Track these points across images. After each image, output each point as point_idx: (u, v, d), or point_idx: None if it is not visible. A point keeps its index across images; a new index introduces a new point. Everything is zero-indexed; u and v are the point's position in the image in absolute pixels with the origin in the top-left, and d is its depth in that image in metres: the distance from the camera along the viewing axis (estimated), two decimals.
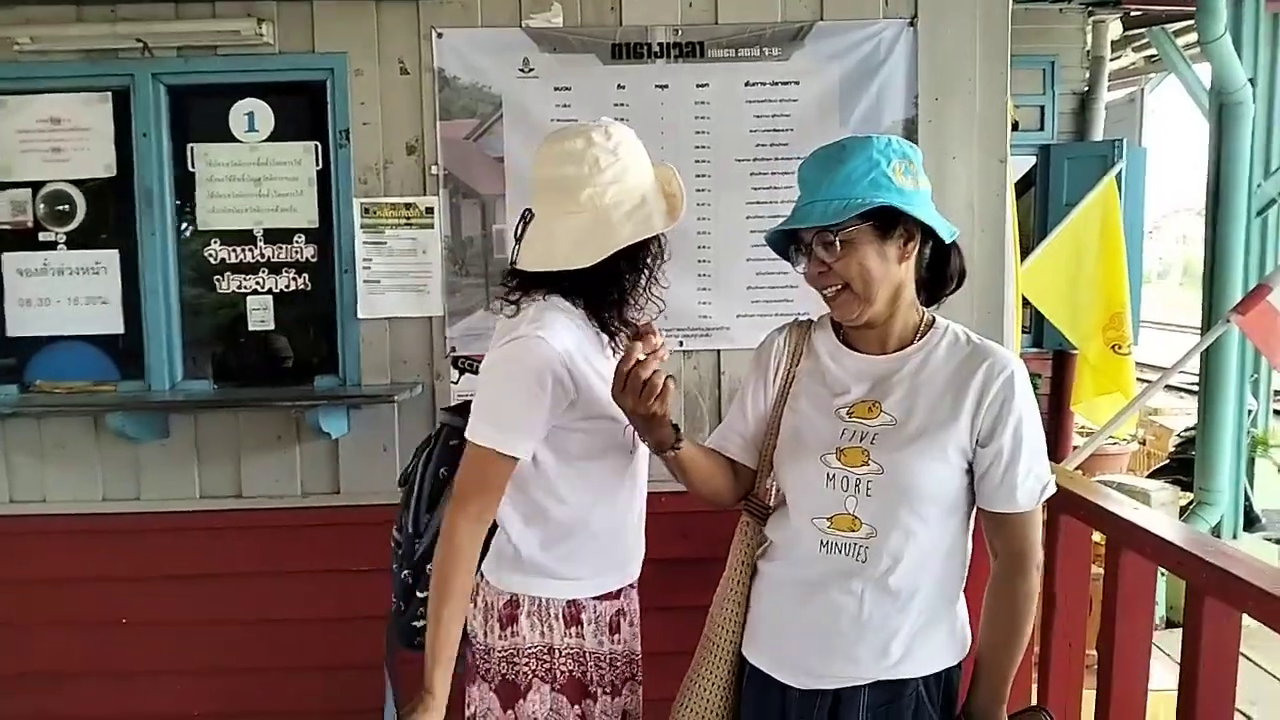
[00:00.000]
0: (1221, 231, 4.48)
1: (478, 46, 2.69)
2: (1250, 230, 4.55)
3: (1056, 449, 5.30)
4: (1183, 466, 5.24)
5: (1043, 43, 5.94)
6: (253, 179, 2.76)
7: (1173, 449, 5.90)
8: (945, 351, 1.46)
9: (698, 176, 2.72)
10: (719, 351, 2.79)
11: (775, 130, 2.73)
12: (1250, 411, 4.87)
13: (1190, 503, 4.65)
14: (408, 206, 2.73)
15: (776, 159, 2.73)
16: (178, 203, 2.80)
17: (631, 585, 1.75)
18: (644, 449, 1.64)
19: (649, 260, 1.61)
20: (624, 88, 2.71)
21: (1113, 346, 4.45)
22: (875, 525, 1.42)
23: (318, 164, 2.76)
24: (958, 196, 2.72)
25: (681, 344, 2.75)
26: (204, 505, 2.82)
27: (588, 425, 1.58)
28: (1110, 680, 1.84)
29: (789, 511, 1.52)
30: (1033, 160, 5.97)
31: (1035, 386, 1.45)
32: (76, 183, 2.78)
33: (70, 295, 2.80)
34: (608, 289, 1.57)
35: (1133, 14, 5.85)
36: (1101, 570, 1.91)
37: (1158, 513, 2.01)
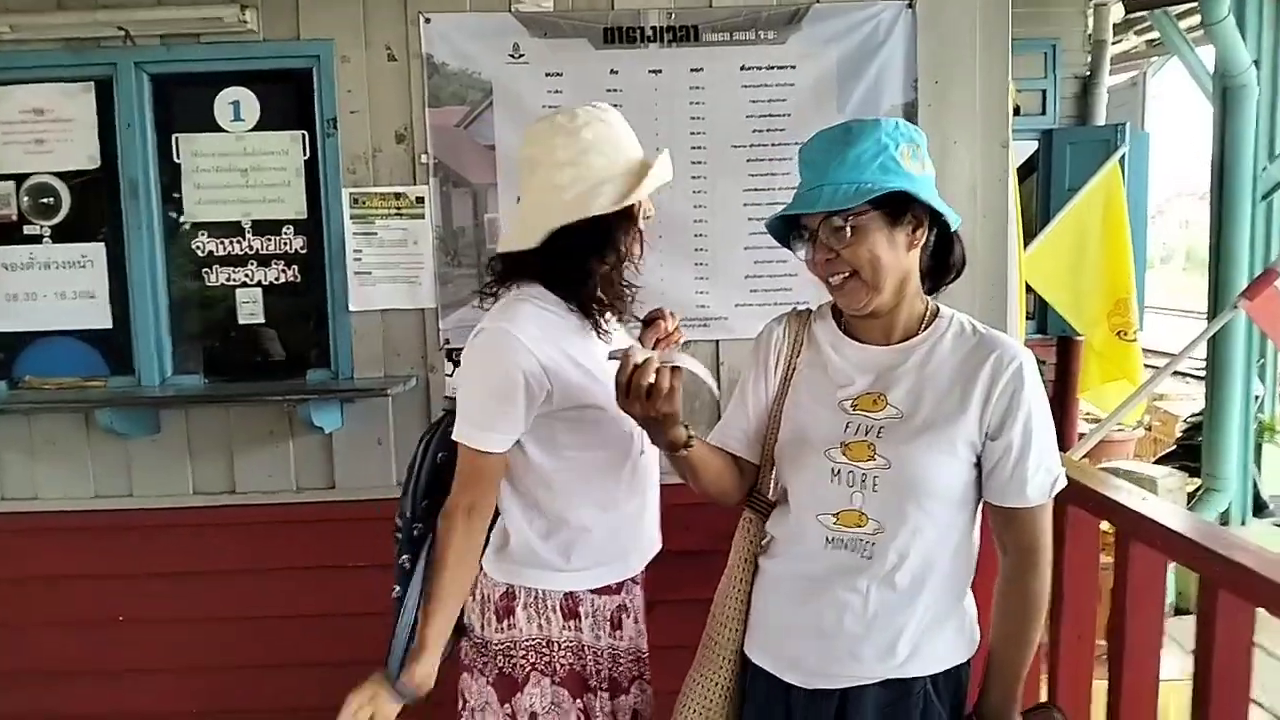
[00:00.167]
0: (1226, 216, 4.42)
1: (466, 32, 2.64)
2: (1255, 214, 4.49)
3: (1062, 437, 5.21)
4: (1189, 452, 5.20)
5: (1044, 26, 5.90)
6: (239, 169, 2.72)
7: (1179, 435, 5.86)
8: (951, 342, 1.42)
9: (693, 164, 2.67)
10: (717, 342, 2.74)
11: (772, 116, 2.68)
12: (1257, 397, 4.83)
13: (1198, 489, 4.61)
14: (398, 196, 2.68)
15: (773, 145, 2.68)
16: (164, 194, 2.75)
17: (635, 580, 1.73)
18: (655, 449, 1.63)
19: (615, 245, 1.57)
20: (617, 73, 2.66)
21: (1118, 333, 4.41)
22: (882, 521, 1.37)
23: (305, 153, 2.71)
24: (959, 182, 2.67)
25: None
26: (197, 501, 2.79)
27: (572, 415, 1.57)
28: (1121, 674, 1.81)
29: (792, 507, 1.47)
30: (1035, 145, 5.94)
31: (1040, 374, 1.40)
32: (61, 175, 2.73)
33: (57, 289, 2.76)
34: (569, 273, 1.55)
35: None
36: (1111, 559, 1.87)
37: (1167, 504, 1.97)
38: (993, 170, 2.70)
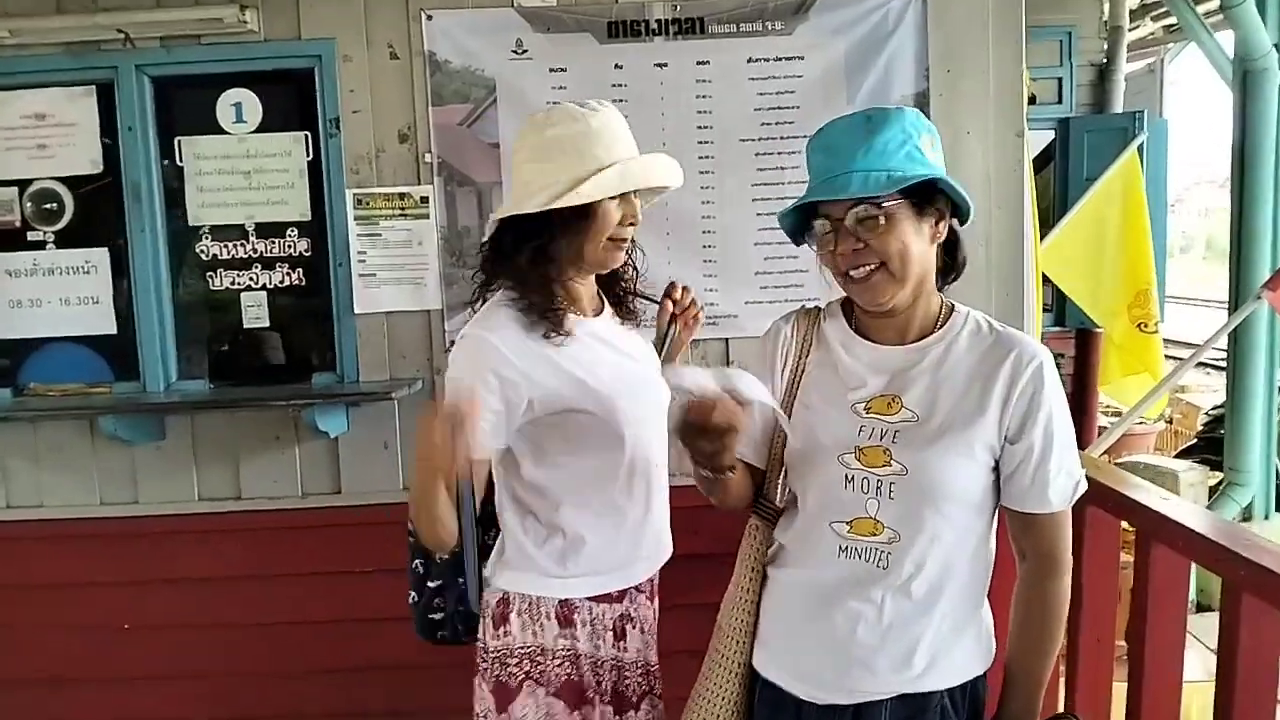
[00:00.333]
0: (1248, 204, 4.32)
1: (469, 28, 2.60)
2: (1278, 201, 4.39)
3: (1082, 433, 5.15)
4: (1211, 445, 5.11)
5: (1059, 13, 5.79)
6: (242, 172, 2.69)
7: (1201, 428, 5.76)
8: (968, 341, 1.36)
9: (701, 159, 2.61)
10: (727, 340, 2.70)
11: (780, 108, 2.63)
12: None
13: (1220, 483, 4.53)
14: (402, 196, 2.65)
15: (782, 138, 2.63)
16: (167, 198, 2.72)
17: (640, 589, 1.68)
18: (660, 455, 1.63)
19: (548, 247, 1.52)
20: (621, 67, 2.61)
21: (1139, 325, 4.34)
22: (898, 529, 1.32)
23: (308, 154, 2.68)
24: (973, 172, 2.61)
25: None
26: (203, 508, 2.77)
27: (556, 420, 1.54)
28: (1142, 677, 1.76)
29: (802, 513, 1.42)
30: (1051, 134, 5.86)
31: (1058, 367, 1.35)
32: (64, 180, 2.71)
33: (61, 295, 2.75)
34: (506, 272, 1.55)
35: None
36: (1130, 558, 1.82)
37: (1189, 504, 1.92)
38: (1007, 161, 2.65)
